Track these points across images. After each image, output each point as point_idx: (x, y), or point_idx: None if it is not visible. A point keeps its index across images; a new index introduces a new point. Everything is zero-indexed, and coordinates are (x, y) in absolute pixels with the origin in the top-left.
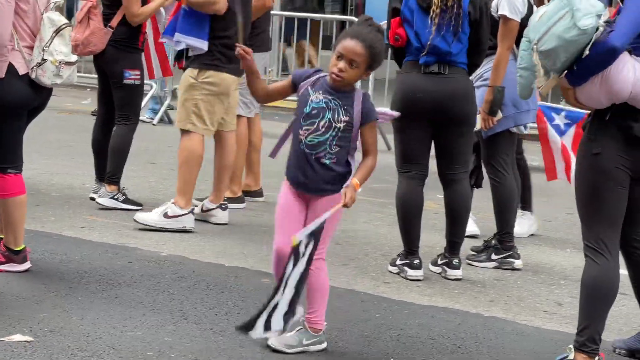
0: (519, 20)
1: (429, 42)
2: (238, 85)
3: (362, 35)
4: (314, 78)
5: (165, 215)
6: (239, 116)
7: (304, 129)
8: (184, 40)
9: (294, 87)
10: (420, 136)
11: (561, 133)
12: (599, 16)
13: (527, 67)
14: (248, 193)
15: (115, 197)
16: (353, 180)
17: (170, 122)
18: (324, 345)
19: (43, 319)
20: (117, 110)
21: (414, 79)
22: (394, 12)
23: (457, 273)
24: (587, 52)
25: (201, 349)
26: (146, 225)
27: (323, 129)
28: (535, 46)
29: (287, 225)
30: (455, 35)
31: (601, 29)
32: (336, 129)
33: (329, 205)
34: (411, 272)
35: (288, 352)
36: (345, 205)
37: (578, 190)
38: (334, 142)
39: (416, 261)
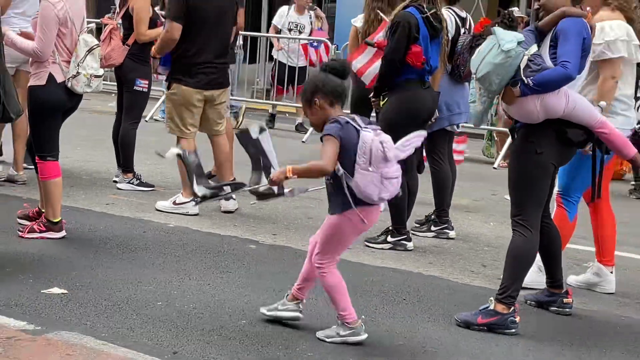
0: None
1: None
2: (222, 97)
3: None
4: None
5: (174, 203)
6: None
7: None
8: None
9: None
10: None
11: None
12: (519, 43)
13: (474, 99)
14: None
15: (131, 181)
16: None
17: None
18: (363, 336)
19: (75, 275)
20: (124, 110)
21: (423, 95)
22: (414, 39)
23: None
24: (524, 78)
25: (200, 300)
26: (161, 210)
27: None
28: (474, 75)
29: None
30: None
31: (526, 58)
32: None
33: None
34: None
35: (327, 341)
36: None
37: (515, 179)
38: None
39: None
